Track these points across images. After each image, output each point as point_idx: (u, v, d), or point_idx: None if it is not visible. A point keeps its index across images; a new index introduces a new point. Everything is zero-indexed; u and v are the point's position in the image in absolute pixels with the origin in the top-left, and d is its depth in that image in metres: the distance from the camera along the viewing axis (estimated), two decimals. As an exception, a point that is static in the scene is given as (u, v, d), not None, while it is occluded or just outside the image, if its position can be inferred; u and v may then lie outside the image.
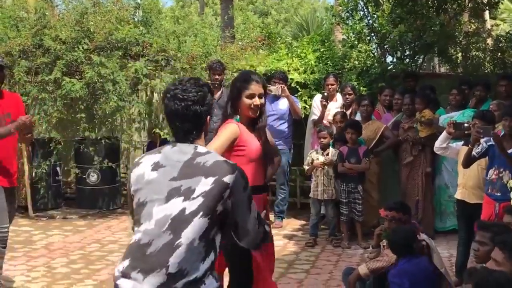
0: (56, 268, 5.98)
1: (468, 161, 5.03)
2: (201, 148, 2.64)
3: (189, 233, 2.46)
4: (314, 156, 7.06)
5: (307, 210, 7.67)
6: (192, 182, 2.53)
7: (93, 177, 8.84)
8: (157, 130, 8.72)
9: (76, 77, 8.14)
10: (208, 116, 2.72)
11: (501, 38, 9.90)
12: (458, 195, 5.47)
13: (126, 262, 2.51)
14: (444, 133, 5.47)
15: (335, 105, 7.73)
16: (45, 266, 6.01)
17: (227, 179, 2.54)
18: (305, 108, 8.40)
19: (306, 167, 7.20)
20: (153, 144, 8.90)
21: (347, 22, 9.90)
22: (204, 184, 2.51)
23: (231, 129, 3.79)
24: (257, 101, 3.80)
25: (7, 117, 4.86)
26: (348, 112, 7.57)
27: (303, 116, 8.21)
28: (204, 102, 2.65)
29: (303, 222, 8.11)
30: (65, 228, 7.79)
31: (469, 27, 10.22)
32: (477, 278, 2.68)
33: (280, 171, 7.82)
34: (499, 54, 9.38)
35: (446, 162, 7.05)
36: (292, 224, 8.06)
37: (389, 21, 9.32)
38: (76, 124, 8.61)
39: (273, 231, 7.48)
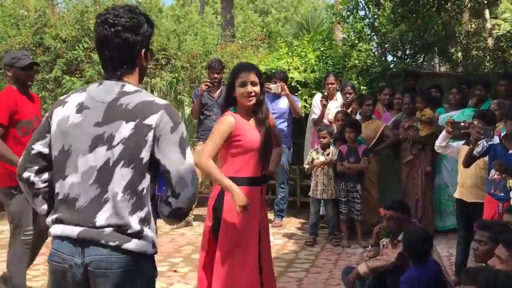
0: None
1: (469, 161, 5.03)
2: (128, 87, 2.38)
3: (113, 186, 2.29)
4: (314, 156, 7.06)
5: (307, 209, 7.67)
6: (113, 127, 2.31)
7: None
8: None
9: (77, 75, 8.14)
10: (144, 50, 2.43)
11: (502, 38, 9.90)
12: (456, 194, 5.48)
13: (55, 215, 2.38)
14: (443, 132, 5.48)
15: (335, 104, 7.73)
16: (45, 265, 5.99)
17: (149, 120, 2.30)
18: (305, 107, 8.39)
19: (306, 166, 7.20)
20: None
21: (348, 21, 9.90)
22: (124, 130, 2.29)
23: (225, 121, 3.81)
24: (249, 88, 3.81)
25: (37, 119, 4.75)
26: (348, 111, 7.57)
27: (303, 115, 8.21)
28: (138, 31, 2.39)
29: (302, 221, 8.12)
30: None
31: (469, 26, 10.22)
32: (483, 281, 2.66)
33: (280, 170, 7.82)
34: (500, 53, 9.38)
35: (445, 161, 7.05)
36: (291, 223, 8.07)
37: (390, 20, 9.32)
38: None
39: (273, 230, 7.54)
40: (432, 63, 15.65)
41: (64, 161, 2.36)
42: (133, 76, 2.43)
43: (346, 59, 8.99)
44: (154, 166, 2.33)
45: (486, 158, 4.98)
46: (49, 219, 2.42)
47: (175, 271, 5.85)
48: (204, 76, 8.15)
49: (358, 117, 7.45)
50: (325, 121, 7.59)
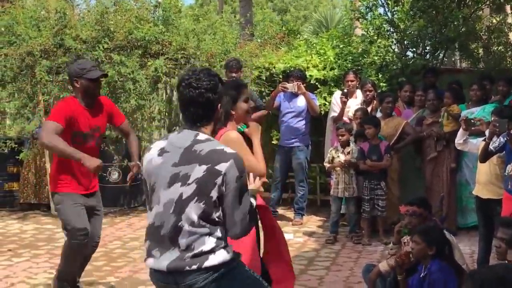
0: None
1: (485, 156, 4.99)
2: (201, 136, 2.86)
3: (188, 215, 2.76)
4: (334, 154, 7.05)
5: (327, 207, 7.65)
6: (189, 168, 2.78)
7: (114, 175, 8.91)
8: (177, 128, 8.76)
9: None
10: (219, 105, 2.93)
11: (524, 33, 9.79)
12: (474, 191, 5.46)
13: (147, 244, 2.90)
14: (461, 129, 5.48)
15: (355, 102, 7.70)
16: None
17: (220, 167, 2.76)
18: (324, 105, 8.37)
19: (326, 165, 7.19)
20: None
21: (367, 17, 9.85)
22: (198, 171, 2.76)
23: (234, 134, 3.74)
24: (251, 104, 3.96)
25: (96, 131, 4.70)
26: (369, 109, 7.53)
27: (322, 113, 8.20)
28: (216, 90, 2.89)
29: (323, 219, 8.10)
30: (87, 226, 7.85)
31: (490, 22, 10.10)
32: (477, 279, 2.62)
33: (299, 168, 7.83)
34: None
35: (466, 159, 7.00)
36: (312, 221, 8.06)
37: (409, 15, 9.25)
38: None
39: (293, 228, 7.55)
40: (453, 59, 15.51)
41: (151, 195, 2.90)
42: (209, 126, 2.94)
43: (365, 56, 8.95)
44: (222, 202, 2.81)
45: (500, 154, 4.93)
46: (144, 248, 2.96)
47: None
48: (224, 75, 8.16)
49: (378, 114, 7.41)
50: (345, 118, 7.56)
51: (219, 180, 2.75)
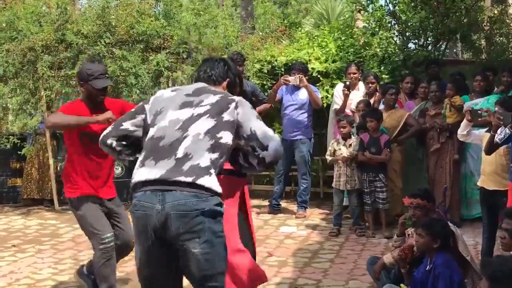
0: (83, 260, 6.01)
1: (491, 148, 4.97)
2: (211, 86, 3.14)
3: (194, 128, 2.88)
4: (336, 147, 7.05)
5: (330, 200, 7.66)
6: (202, 97, 3.00)
7: (117, 170, 8.91)
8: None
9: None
10: (228, 79, 3.26)
11: (526, 23, 9.73)
12: (479, 182, 5.45)
13: (141, 155, 2.93)
14: (464, 121, 5.44)
15: (358, 94, 7.68)
16: (72, 259, 6.08)
17: (232, 97, 3.03)
18: (326, 97, 8.36)
19: (328, 158, 7.19)
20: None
21: (368, 9, 9.82)
22: (212, 98, 2.99)
23: None
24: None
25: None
26: (371, 101, 7.51)
27: (325, 105, 8.19)
28: (233, 71, 3.30)
29: (326, 211, 8.11)
30: (91, 220, 7.86)
31: (491, 12, 10.05)
32: (490, 270, 2.62)
33: (302, 161, 7.83)
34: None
35: (471, 150, 6.99)
36: (315, 214, 8.06)
37: (411, 7, 9.22)
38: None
39: (296, 221, 7.56)
40: (455, 50, 15.46)
41: (156, 117, 2.97)
42: (219, 88, 3.20)
43: (367, 48, 8.93)
44: (232, 128, 2.93)
45: (506, 146, 4.92)
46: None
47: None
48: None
49: (381, 106, 7.40)
50: (347, 111, 7.56)
51: (232, 105, 2.95)
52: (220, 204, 2.88)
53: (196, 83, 3.19)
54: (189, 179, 2.76)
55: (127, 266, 5.85)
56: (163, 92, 3.11)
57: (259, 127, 2.92)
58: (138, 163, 2.92)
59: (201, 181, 2.78)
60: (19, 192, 9.09)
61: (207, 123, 2.88)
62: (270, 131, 2.96)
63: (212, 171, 2.82)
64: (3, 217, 8.29)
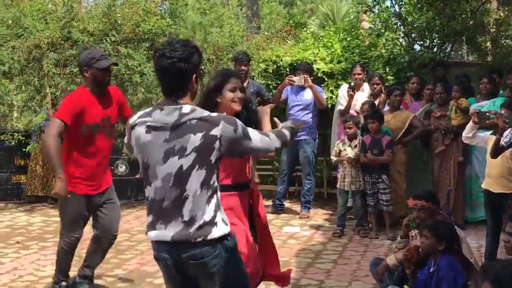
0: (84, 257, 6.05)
1: (497, 151, 4.95)
2: (185, 108, 2.86)
3: (191, 185, 2.82)
4: (341, 147, 7.05)
5: (334, 200, 7.65)
6: (183, 141, 2.81)
7: (121, 168, 8.94)
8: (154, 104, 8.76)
9: (104, 69, 8.19)
10: (195, 75, 2.93)
11: (532, 26, 9.72)
12: (484, 185, 5.41)
13: (150, 218, 2.94)
14: (470, 123, 5.39)
15: (362, 95, 7.68)
16: (75, 256, 6.07)
17: (214, 131, 2.82)
18: (331, 98, 8.36)
19: (333, 158, 7.18)
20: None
21: (374, 10, 9.82)
22: (194, 140, 2.80)
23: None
24: (239, 94, 3.72)
25: (106, 121, 4.66)
26: (376, 102, 7.51)
27: (329, 106, 8.19)
28: (190, 61, 2.88)
29: (330, 212, 8.11)
30: (94, 218, 7.88)
31: (497, 15, 10.03)
32: (494, 274, 2.61)
33: (306, 161, 7.83)
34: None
35: (477, 152, 6.97)
36: (318, 215, 8.06)
37: (417, 8, 9.22)
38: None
39: (300, 222, 7.56)
40: (460, 52, 15.44)
41: (146, 171, 2.93)
42: (187, 98, 2.92)
43: (373, 49, 8.92)
44: (220, 160, 2.90)
45: None
46: (146, 227, 3.02)
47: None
48: (231, 68, 8.16)
49: (386, 108, 7.39)
50: (352, 112, 7.55)
51: (216, 144, 2.83)
52: (228, 240, 2.95)
53: (162, 110, 2.88)
54: (200, 240, 2.85)
55: (130, 264, 5.87)
56: (139, 133, 2.92)
57: (254, 143, 2.95)
58: (149, 225, 2.97)
59: (210, 237, 2.86)
60: (23, 189, 9.12)
61: (199, 175, 2.83)
62: (263, 139, 3.01)
63: (217, 218, 2.89)
64: (7, 213, 8.32)
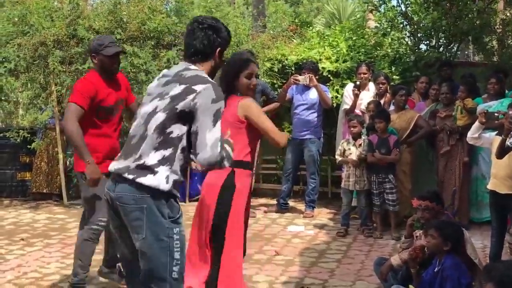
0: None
1: (502, 152, 4.93)
2: (192, 67, 3.01)
3: (151, 125, 2.88)
4: (345, 146, 7.04)
5: (338, 200, 7.64)
6: (169, 87, 2.93)
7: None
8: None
9: (110, 67, 8.20)
10: (219, 49, 3.06)
11: (539, 26, 9.67)
12: (489, 186, 5.38)
13: (120, 152, 3.03)
14: (476, 123, 5.36)
15: (368, 95, 7.66)
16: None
17: (196, 87, 2.85)
18: (336, 97, 8.34)
19: (338, 158, 7.17)
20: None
21: (380, 9, 9.80)
22: (176, 89, 2.89)
23: (253, 101, 3.92)
24: (254, 81, 3.94)
25: (120, 103, 4.70)
26: (381, 102, 7.49)
27: (335, 105, 8.18)
28: (219, 34, 3.06)
29: (334, 211, 8.10)
30: (99, 216, 7.89)
31: (504, 15, 9.99)
32: (497, 275, 2.60)
33: (311, 160, 7.82)
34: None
35: (483, 152, 6.93)
36: (323, 214, 8.05)
37: (423, 7, 9.19)
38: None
39: (304, 221, 7.55)
40: (466, 52, 15.40)
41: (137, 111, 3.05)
42: (203, 65, 3.04)
43: (378, 48, 8.90)
44: (184, 117, 2.84)
45: None
46: None
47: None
48: (247, 51, 8.15)
49: (392, 107, 7.37)
50: (357, 111, 7.54)
51: (190, 96, 2.82)
52: (167, 205, 2.86)
53: (179, 63, 3.10)
54: (130, 177, 2.83)
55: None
56: (153, 81, 3.13)
57: (203, 128, 2.81)
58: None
59: (141, 180, 2.82)
60: (28, 186, 9.14)
61: (159, 117, 2.86)
62: (212, 138, 2.81)
63: (159, 169, 2.82)
64: (12, 210, 8.34)
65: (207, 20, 3.05)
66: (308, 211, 7.87)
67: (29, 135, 8.42)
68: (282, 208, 8.12)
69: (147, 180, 2.81)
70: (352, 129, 7.01)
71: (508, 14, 10.09)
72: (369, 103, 7.36)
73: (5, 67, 8.09)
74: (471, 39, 9.63)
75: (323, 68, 8.47)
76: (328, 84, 8.39)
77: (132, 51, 7.98)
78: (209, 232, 3.90)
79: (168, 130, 2.84)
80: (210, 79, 2.94)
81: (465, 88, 6.89)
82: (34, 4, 8.47)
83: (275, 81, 8.78)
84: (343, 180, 7.10)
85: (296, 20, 11.59)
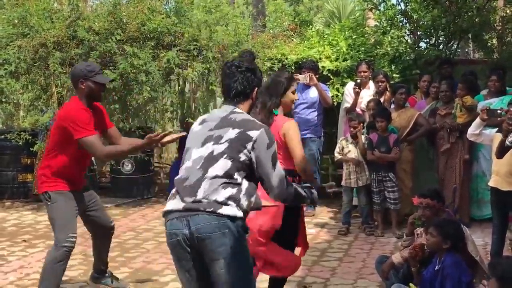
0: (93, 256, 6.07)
1: (502, 151, 4.93)
2: (238, 110, 3.27)
3: (213, 170, 3.08)
4: (344, 144, 7.06)
5: (339, 199, 7.65)
6: (222, 131, 3.16)
7: (127, 167, 8.96)
8: (190, 120, 8.78)
9: (110, 68, 8.21)
10: (256, 88, 3.33)
11: (539, 23, 9.68)
12: (491, 183, 5.38)
13: (173, 190, 3.19)
14: (477, 120, 5.36)
15: (368, 93, 7.67)
16: (81, 254, 6.11)
17: (251, 133, 3.12)
18: (337, 96, 8.35)
19: (337, 156, 7.17)
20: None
21: (379, 8, 9.80)
22: (231, 133, 3.13)
23: (295, 124, 4.28)
24: (296, 96, 4.41)
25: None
26: (381, 100, 7.50)
27: (335, 104, 8.18)
28: (256, 74, 3.33)
29: (335, 210, 8.10)
30: (101, 216, 7.90)
31: (504, 13, 10.00)
32: (500, 271, 2.62)
33: (311, 159, 7.81)
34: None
35: (483, 150, 6.94)
36: (324, 213, 8.06)
37: (422, 6, 9.19)
38: (110, 115, 8.61)
39: (305, 220, 7.50)
40: (466, 50, 15.40)
41: (185, 155, 3.25)
42: (244, 104, 3.31)
43: (378, 47, 8.91)
44: (248, 167, 3.13)
45: None
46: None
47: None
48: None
49: (392, 106, 7.38)
50: (358, 109, 7.54)
51: (249, 145, 3.10)
52: (239, 224, 3.10)
53: (223, 105, 3.33)
54: (208, 210, 3.04)
55: (136, 263, 5.89)
56: (194, 126, 3.34)
57: (267, 174, 3.13)
58: (170, 194, 3.24)
59: (221, 211, 3.04)
60: (30, 188, 9.14)
61: (224, 164, 3.09)
62: (277, 178, 3.13)
63: (230, 203, 3.06)
64: (14, 212, 8.36)
65: (243, 63, 3.31)
66: (309, 210, 7.86)
67: (30, 137, 8.43)
68: (284, 207, 8.10)
69: (225, 211, 3.04)
70: (352, 129, 7.02)
71: (508, 12, 10.09)
72: (369, 102, 7.37)
73: (6, 69, 8.09)
74: (471, 37, 9.63)
75: (323, 67, 8.48)
76: (328, 83, 8.40)
77: (132, 52, 7.98)
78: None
79: (235, 177, 3.10)
80: (261, 124, 3.23)
81: (463, 86, 6.89)
82: (34, 5, 8.48)
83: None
84: (344, 179, 7.11)
85: (296, 19, 11.59)
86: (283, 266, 4.29)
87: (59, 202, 4.52)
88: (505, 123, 4.66)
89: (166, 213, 3.16)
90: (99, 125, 4.65)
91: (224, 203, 3.03)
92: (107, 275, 5.04)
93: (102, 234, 4.89)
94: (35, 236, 6.96)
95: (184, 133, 4.30)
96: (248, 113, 3.33)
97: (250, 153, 3.09)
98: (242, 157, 3.09)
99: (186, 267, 3.13)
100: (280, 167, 3.18)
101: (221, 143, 3.12)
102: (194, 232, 3.02)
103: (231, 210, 3.04)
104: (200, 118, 3.38)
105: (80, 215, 4.72)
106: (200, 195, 3.05)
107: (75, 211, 4.60)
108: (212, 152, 3.12)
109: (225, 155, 3.09)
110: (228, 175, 3.07)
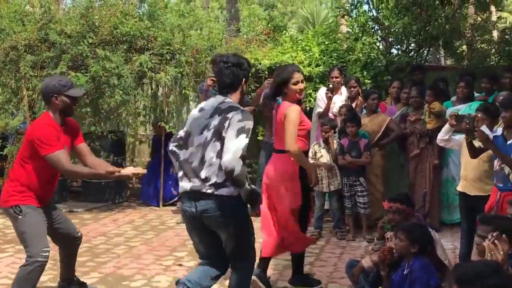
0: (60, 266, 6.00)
1: (474, 152, 5.01)
2: (228, 99, 3.93)
3: (208, 153, 3.78)
4: (317, 149, 7.09)
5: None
6: (212, 119, 3.83)
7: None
8: (162, 124, 8.75)
9: (82, 71, 8.16)
10: (244, 79, 3.98)
11: (507, 31, 9.86)
12: (459, 187, 5.47)
13: (180, 173, 3.91)
14: (446, 125, 5.45)
15: (340, 98, 7.72)
16: (51, 259, 5.96)
17: (229, 114, 3.76)
18: (309, 101, 8.39)
19: (309, 160, 7.19)
20: (158, 137, 8.93)
21: (351, 14, 9.89)
22: (216, 120, 3.80)
23: (297, 109, 4.74)
24: (301, 85, 4.80)
25: (68, 150, 4.54)
26: (353, 105, 7.55)
27: (308, 109, 8.22)
28: (241, 67, 3.95)
29: (308, 215, 8.11)
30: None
31: (473, 20, 10.17)
32: (456, 273, 2.68)
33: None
34: (505, 46, 9.34)
35: (453, 155, 7.03)
36: (297, 217, 8.06)
37: (394, 13, 9.31)
38: (82, 119, 8.61)
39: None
40: (438, 56, 15.59)
41: (187, 138, 3.93)
42: (234, 95, 3.97)
43: (350, 53, 8.98)
44: None
45: (489, 151, 4.96)
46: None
47: (180, 265, 5.89)
48: (209, 70, 8.16)
49: (364, 111, 7.45)
50: (330, 114, 7.59)
51: (226, 123, 3.72)
52: (237, 201, 3.81)
53: (216, 97, 4.01)
54: (209, 191, 3.76)
55: (106, 268, 5.85)
56: (193, 112, 4.02)
57: (228, 138, 3.70)
58: (179, 176, 3.94)
59: (219, 192, 3.76)
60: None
61: (215, 146, 3.75)
62: (235, 145, 3.64)
63: (228, 183, 3.74)
64: (-18, 216, 8.22)
65: (230, 58, 3.97)
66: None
67: (0, 140, 8.32)
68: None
69: (223, 191, 3.75)
70: (323, 133, 7.06)
71: (479, 19, 10.25)
72: (341, 107, 7.42)
73: (-25, 72, 8.00)
74: (441, 44, 9.77)
75: (296, 72, 8.50)
76: (300, 88, 8.42)
77: (104, 55, 7.94)
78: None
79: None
80: (241, 107, 3.85)
81: (431, 92, 6.97)
82: (5, 8, 8.40)
83: (248, 85, 8.79)
84: (316, 183, 7.13)
85: (270, 24, 11.63)
86: (301, 244, 5.20)
87: (31, 216, 4.41)
88: (464, 123, 4.81)
89: (182, 194, 3.90)
90: (69, 141, 4.58)
91: (222, 185, 3.72)
92: (74, 283, 4.98)
93: (70, 245, 4.84)
94: (4, 240, 6.86)
95: (144, 171, 4.56)
96: (239, 103, 3.93)
97: (227, 130, 3.69)
98: (224, 135, 3.69)
99: (195, 234, 3.95)
100: (244, 140, 3.68)
101: (210, 129, 3.79)
102: (200, 211, 3.78)
103: (228, 190, 3.73)
104: (198, 106, 4.04)
105: (47, 229, 4.60)
106: (203, 175, 3.75)
107: (45, 224, 4.52)
108: (206, 138, 3.80)
109: (214, 139, 3.75)
110: (221, 156, 3.67)
